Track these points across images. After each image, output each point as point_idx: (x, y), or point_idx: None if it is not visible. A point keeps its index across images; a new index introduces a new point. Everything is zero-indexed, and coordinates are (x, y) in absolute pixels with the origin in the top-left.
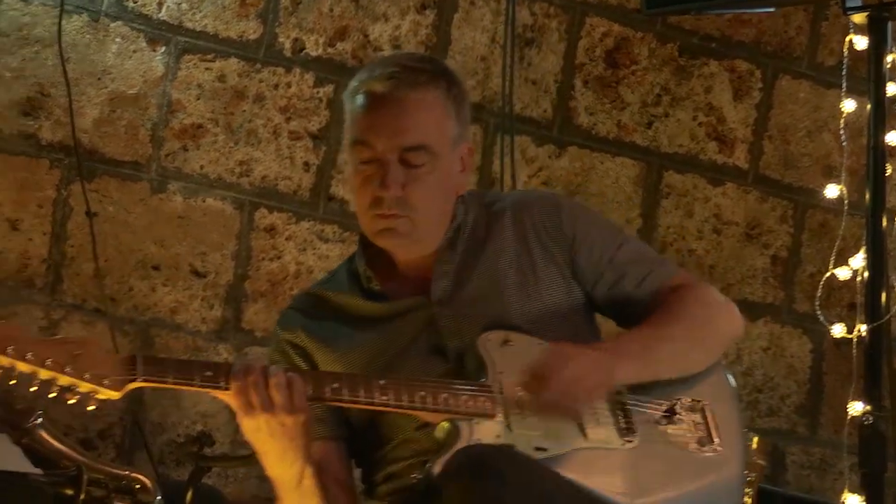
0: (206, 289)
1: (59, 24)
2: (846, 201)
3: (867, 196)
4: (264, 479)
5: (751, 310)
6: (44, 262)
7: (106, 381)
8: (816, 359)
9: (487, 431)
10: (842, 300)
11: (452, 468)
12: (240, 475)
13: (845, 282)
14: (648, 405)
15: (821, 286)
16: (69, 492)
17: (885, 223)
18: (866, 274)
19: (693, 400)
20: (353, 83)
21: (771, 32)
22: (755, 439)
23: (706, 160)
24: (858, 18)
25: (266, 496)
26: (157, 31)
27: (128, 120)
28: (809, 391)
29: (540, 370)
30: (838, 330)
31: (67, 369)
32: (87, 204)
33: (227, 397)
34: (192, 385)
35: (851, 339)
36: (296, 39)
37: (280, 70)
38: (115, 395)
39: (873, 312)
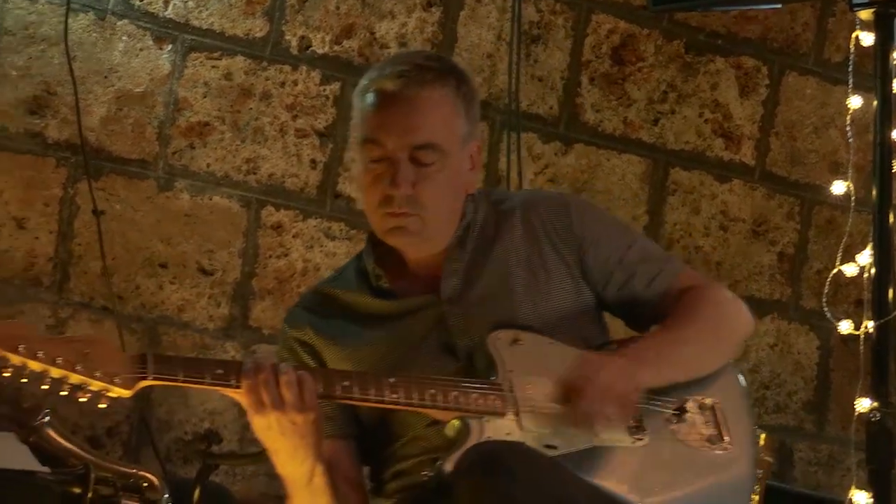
0: (214, 286)
1: (66, 22)
2: (853, 198)
3: (874, 192)
4: (272, 477)
5: (758, 306)
6: (50, 261)
7: (117, 380)
8: (824, 355)
9: (498, 429)
10: (849, 296)
11: (464, 465)
12: (248, 473)
13: (852, 278)
14: (659, 404)
15: (828, 283)
16: (77, 490)
17: (892, 219)
18: (873, 270)
19: (703, 399)
20: (363, 81)
21: (777, 29)
22: (762, 436)
23: (713, 157)
24: (865, 15)
25: (274, 494)
26: (164, 30)
27: (134, 118)
28: (817, 388)
29: (572, 382)
30: (845, 326)
31: (78, 367)
32: (94, 202)
33: (238, 395)
34: (202, 383)
35: (858, 335)
36: (302, 37)
37: (286, 68)
38: (126, 393)
39: (880, 309)
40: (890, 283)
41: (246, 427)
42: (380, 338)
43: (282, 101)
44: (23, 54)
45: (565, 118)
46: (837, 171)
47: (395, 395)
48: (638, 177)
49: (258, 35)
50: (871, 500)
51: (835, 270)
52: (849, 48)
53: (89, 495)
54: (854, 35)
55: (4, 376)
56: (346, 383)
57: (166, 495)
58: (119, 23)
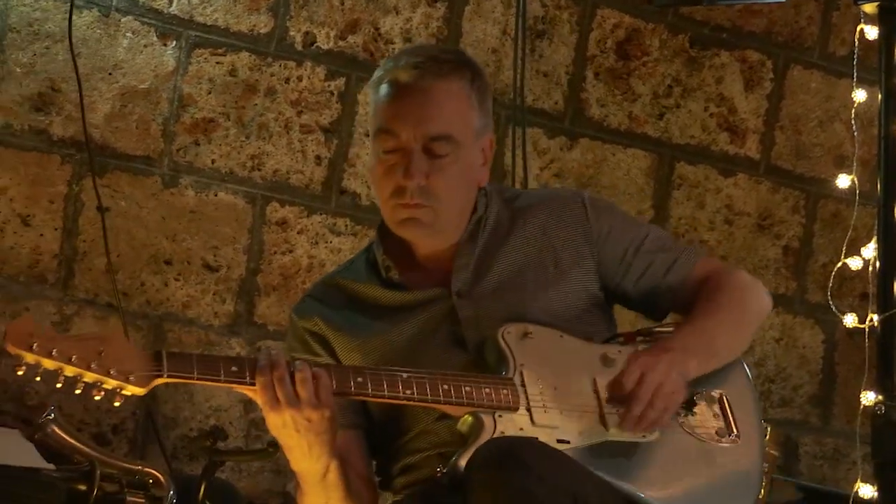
0: (219, 283)
1: (70, 19)
2: (858, 191)
3: (879, 186)
4: (278, 473)
5: None
6: (55, 258)
7: (132, 378)
8: (829, 349)
9: (511, 424)
10: (854, 290)
11: (479, 460)
12: (253, 469)
13: (857, 272)
14: None
15: (833, 276)
16: (82, 487)
17: None
18: (878, 264)
19: (711, 391)
20: (378, 73)
21: (782, 23)
22: (768, 430)
23: (718, 151)
24: (869, 8)
25: (280, 490)
26: (168, 26)
27: (139, 115)
28: (822, 381)
29: (625, 384)
30: (850, 320)
31: (93, 366)
32: (99, 199)
33: (253, 393)
34: (217, 381)
35: (864, 328)
36: (307, 33)
37: (291, 63)
38: (140, 391)
39: (885, 302)
40: (894, 277)
41: (251, 423)
42: (389, 329)
43: (286, 97)
44: (27, 51)
45: (570, 113)
46: (842, 165)
47: (408, 391)
48: (643, 171)
49: (263, 31)
50: (877, 493)
51: (840, 264)
52: (853, 42)
53: (95, 492)
54: (858, 29)
55: (18, 374)
56: (360, 379)
57: (172, 492)
58: (123, 19)
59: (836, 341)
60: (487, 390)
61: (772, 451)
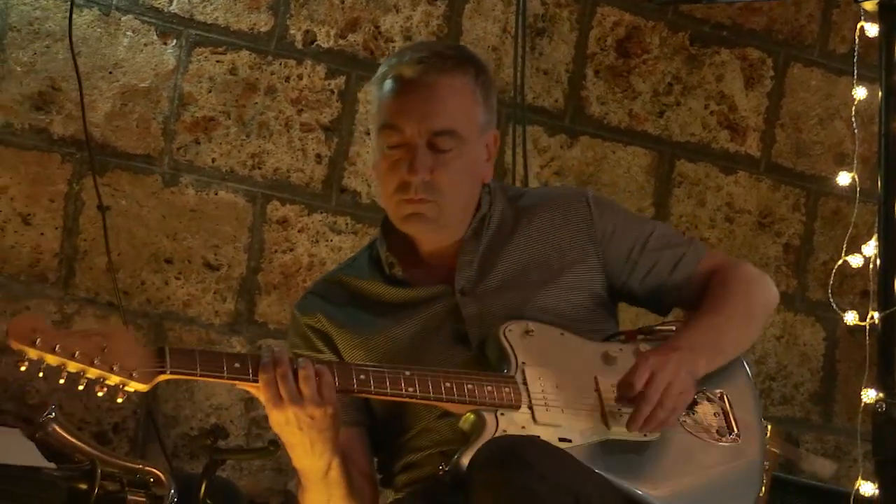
0: (219, 282)
1: (70, 18)
2: (858, 189)
3: (879, 183)
4: (279, 472)
5: None
6: (56, 257)
7: (135, 374)
8: (830, 346)
9: (512, 422)
10: (854, 288)
11: (481, 459)
12: (254, 468)
13: (858, 269)
14: None
15: (833, 274)
16: (83, 486)
17: None
18: (879, 261)
19: (713, 390)
20: (381, 69)
21: (782, 20)
22: (769, 427)
23: (718, 149)
24: (869, 6)
25: (281, 488)
26: (168, 25)
27: (139, 113)
28: (823, 379)
29: (635, 384)
30: (851, 317)
31: (96, 362)
32: (100, 198)
33: (255, 390)
34: (220, 377)
35: (864, 326)
36: (307, 31)
37: (291, 62)
38: (143, 387)
39: (886, 299)
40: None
41: (252, 422)
42: (392, 326)
43: (287, 96)
44: (27, 50)
45: (571, 111)
46: (843, 163)
47: (410, 389)
48: (643, 169)
49: (263, 29)
50: (878, 490)
51: (840, 261)
52: (854, 39)
53: (96, 491)
54: (859, 26)
55: (21, 370)
56: (363, 376)
57: (173, 491)
58: (123, 18)
59: (837, 339)
60: (489, 388)
61: (773, 449)
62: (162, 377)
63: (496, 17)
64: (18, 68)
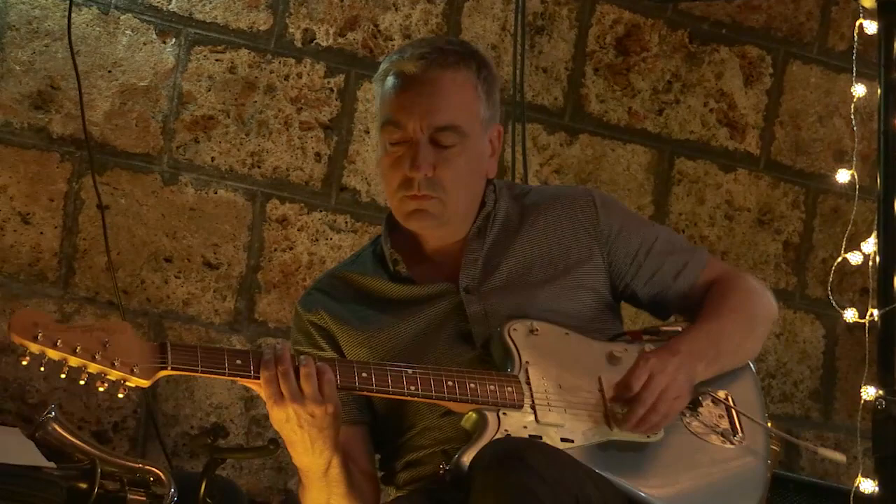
0: (219, 280)
1: (69, 16)
2: (857, 186)
3: (879, 180)
4: (279, 471)
5: None
6: (56, 256)
7: (136, 369)
8: (829, 344)
9: (515, 422)
10: (854, 285)
11: (483, 460)
12: (254, 466)
13: (857, 266)
14: None
15: (833, 271)
16: (83, 485)
17: None
18: (878, 258)
19: (717, 392)
20: (384, 65)
21: (781, 18)
22: (769, 425)
23: (717, 146)
24: (868, 3)
25: (281, 487)
26: (167, 23)
27: (138, 112)
28: (822, 376)
29: (632, 385)
30: (850, 315)
31: (98, 357)
32: (99, 197)
33: (256, 386)
34: (221, 374)
35: (864, 323)
36: (306, 30)
37: (291, 61)
38: (144, 382)
39: (885, 297)
40: (895, 271)
41: (252, 421)
42: (396, 323)
43: (286, 94)
44: (27, 49)
45: (570, 109)
46: (842, 160)
47: (412, 387)
48: (643, 167)
49: (262, 28)
50: (878, 488)
51: (840, 259)
52: (852, 36)
53: (96, 490)
54: (858, 23)
55: (23, 364)
56: (365, 375)
57: (173, 490)
58: (122, 17)
59: (837, 336)
60: (492, 387)
61: (773, 447)
62: (163, 373)
63: (495, 15)
64: (17, 67)
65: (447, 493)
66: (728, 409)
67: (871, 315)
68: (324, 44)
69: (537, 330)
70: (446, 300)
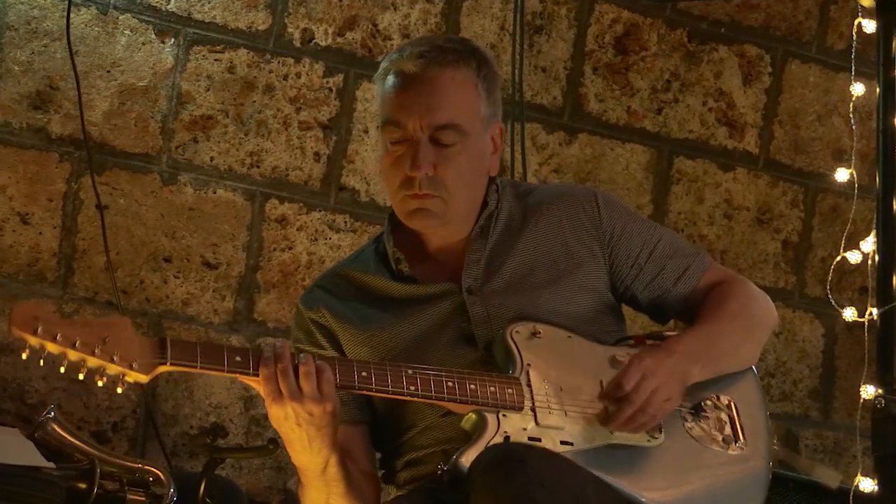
0: (218, 280)
1: (68, 17)
2: (856, 185)
3: (877, 179)
4: (278, 470)
5: None
6: (55, 256)
7: (135, 365)
8: (829, 343)
9: (514, 424)
10: (853, 284)
11: (483, 464)
12: (254, 466)
13: (856, 265)
14: None
15: (832, 270)
16: (82, 485)
17: (895, 206)
18: (877, 257)
19: (720, 398)
20: (384, 64)
21: (780, 17)
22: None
23: (716, 145)
24: (867, 2)
25: (281, 487)
26: (166, 23)
27: (137, 112)
28: (822, 375)
29: (624, 386)
30: (850, 314)
31: (97, 351)
32: (98, 197)
33: (255, 384)
34: (220, 371)
35: (863, 322)
36: (305, 29)
37: (289, 60)
38: (143, 378)
39: (884, 295)
40: (894, 270)
41: (252, 420)
42: (398, 322)
43: (285, 94)
44: (25, 49)
45: (569, 108)
46: (841, 159)
47: (412, 388)
48: (642, 166)
49: (261, 28)
50: (877, 487)
51: (839, 258)
52: (851, 36)
53: (95, 490)
54: (856, 22)
55: (22, 358)
56: (364, 374)
57: (172, 489)
58: (121, 17)
59: (836, 335)
60: (493, 389)
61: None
62: (162, 368)
63: (494, 15)
64: (16, 67)
65: (447, 493)
66: (731, 415)
67: (871, 314)
68: (322, 43)
69: (540, 332)
70: (449, 300)
